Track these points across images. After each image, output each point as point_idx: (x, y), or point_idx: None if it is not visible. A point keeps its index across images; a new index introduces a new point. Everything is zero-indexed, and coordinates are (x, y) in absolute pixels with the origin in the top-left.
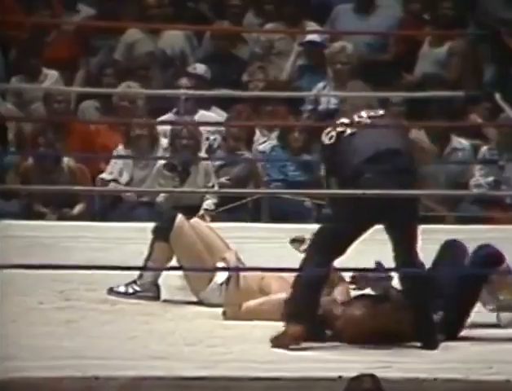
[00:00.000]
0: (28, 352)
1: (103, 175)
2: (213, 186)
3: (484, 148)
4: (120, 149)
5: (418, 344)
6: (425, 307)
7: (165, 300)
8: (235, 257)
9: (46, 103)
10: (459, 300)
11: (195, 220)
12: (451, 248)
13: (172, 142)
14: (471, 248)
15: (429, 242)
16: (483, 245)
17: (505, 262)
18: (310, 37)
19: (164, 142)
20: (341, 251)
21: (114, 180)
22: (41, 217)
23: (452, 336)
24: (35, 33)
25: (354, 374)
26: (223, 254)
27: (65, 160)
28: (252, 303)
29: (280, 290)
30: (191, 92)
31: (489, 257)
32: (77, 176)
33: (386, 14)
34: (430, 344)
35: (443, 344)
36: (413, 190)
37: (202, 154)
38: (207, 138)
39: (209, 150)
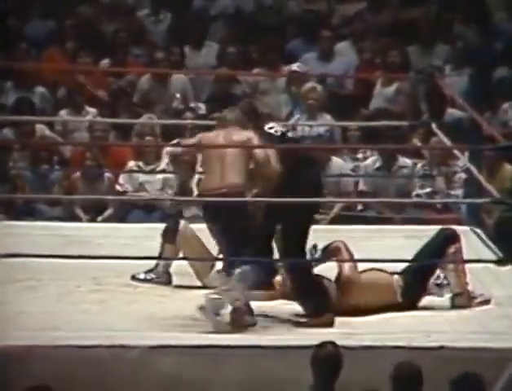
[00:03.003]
0: (69, 325)
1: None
2: None
3: (419, 165)
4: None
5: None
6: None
7: (175, 285)
8: None
9: (90, 132)
10: (417, 274)
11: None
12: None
13: (174, 159)
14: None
15: (382, 239)
16: (444, 227)
17: (460, 242)
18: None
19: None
20: None
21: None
22: (79, 219)
23: (413, 304)
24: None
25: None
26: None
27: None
28: None
29: None
30: (195, 122)
31: (447, 234)
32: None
33: (342, 60)
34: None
35: (390, 316)
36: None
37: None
38: None
39: None
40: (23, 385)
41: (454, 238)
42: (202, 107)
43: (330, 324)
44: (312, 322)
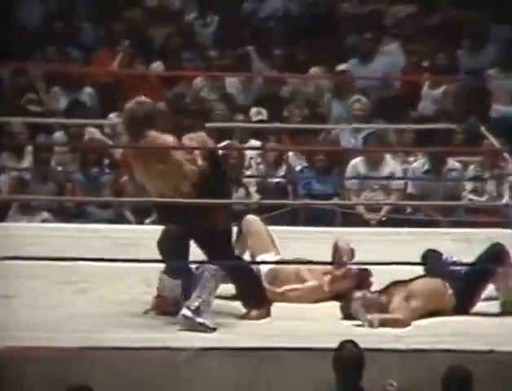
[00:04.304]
0: (121, 327)
1: None
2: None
3: (471, 167)
4: None
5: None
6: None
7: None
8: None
9: None
10: (469, 284)
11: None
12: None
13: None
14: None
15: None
16: (494, 243)
17: (509, 260)
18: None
19: None
20: None
21: None
22: (128, 222)
23: (465, 311)
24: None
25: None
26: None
27: None
28: (287, 287)
29: (312, 279)
30: (246, 125)
31: (497, 253)
32: None
33: (385, 61)
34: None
35: (440, 320)
36: None
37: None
38: (251, 158)
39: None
40: (71, 385)
41: (503, 257)
42: (263, 113)
43: (266, 316)
44: (251, 315)
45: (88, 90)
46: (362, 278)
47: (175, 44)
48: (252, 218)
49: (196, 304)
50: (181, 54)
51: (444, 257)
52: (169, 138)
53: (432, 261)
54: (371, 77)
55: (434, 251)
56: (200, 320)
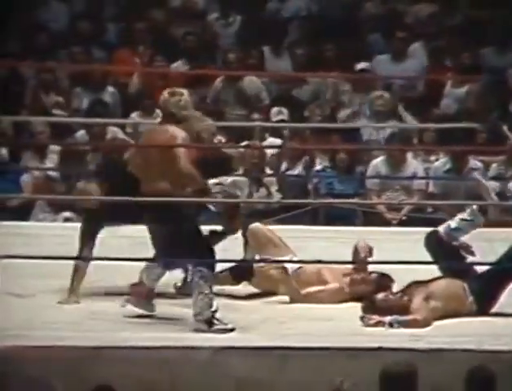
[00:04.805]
0: (137, 326)
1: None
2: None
3: (494, 165)
4: None
5: None
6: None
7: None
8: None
9: None
10: (490, 284)
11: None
12: None
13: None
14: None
15: None
16: None
17: None
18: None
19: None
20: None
21: None
22: None
23: (485, 312)
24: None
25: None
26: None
27: None
28: (311, 290)
29: (333, 281)
30: (266, 124)
31: None
32: None
33: (414, 61)
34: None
35: (460, 320)
36: None
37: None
38: (272, 155)
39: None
40: (90, 386)
41: None
42: (284, 112)
43: None
44: None
45: (110, 89)
46: (381, 284)
47: (192, 43)
48: (257, 228)
49: (205, 315)
50: (202, 55)
51: (441, 230)
52: (181, 133)
53: (439, 250)
54: (394, 76)
55: (435, 232)
56: (215, 327)
